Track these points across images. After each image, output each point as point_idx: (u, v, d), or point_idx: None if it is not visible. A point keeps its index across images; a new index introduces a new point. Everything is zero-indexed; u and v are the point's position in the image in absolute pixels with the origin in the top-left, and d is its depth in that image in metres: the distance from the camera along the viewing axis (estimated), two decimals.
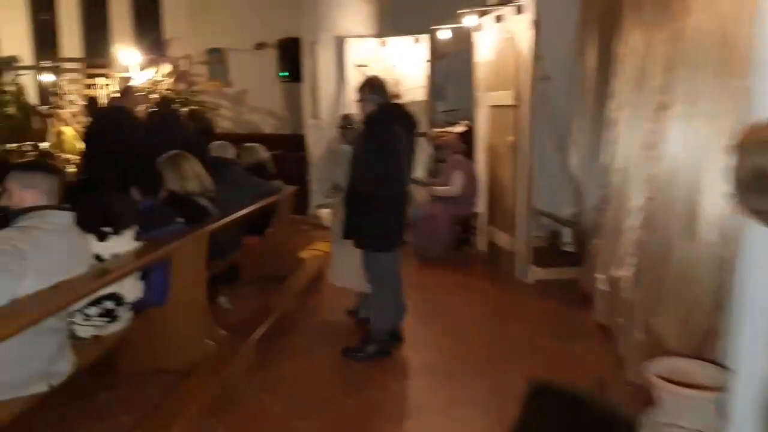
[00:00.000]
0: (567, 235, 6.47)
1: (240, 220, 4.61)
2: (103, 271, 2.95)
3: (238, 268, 5.43)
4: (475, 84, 6.59)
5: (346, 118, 4.05)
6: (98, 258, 3.02)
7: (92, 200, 3.07)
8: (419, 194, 6.70)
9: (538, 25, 5.20)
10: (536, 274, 5.59)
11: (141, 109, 6.16)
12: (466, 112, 7.59)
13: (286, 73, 8.43)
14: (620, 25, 4.76)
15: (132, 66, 9.86)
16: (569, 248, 6.45)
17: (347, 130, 4.05)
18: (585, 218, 5.96)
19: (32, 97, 11.15)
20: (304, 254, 6.00)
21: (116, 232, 3.11)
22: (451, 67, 7.25)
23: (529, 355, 4.07)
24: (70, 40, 11.23)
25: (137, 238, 3.30)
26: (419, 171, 7.32)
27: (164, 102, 5.78)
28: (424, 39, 7.27)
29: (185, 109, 7.22)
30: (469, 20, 5.47)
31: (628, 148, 4.26)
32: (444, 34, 6.51)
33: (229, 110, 10.79)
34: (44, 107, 10.60)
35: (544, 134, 6.15)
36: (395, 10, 8.82)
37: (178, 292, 3.62)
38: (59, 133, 9.00)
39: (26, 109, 10.42)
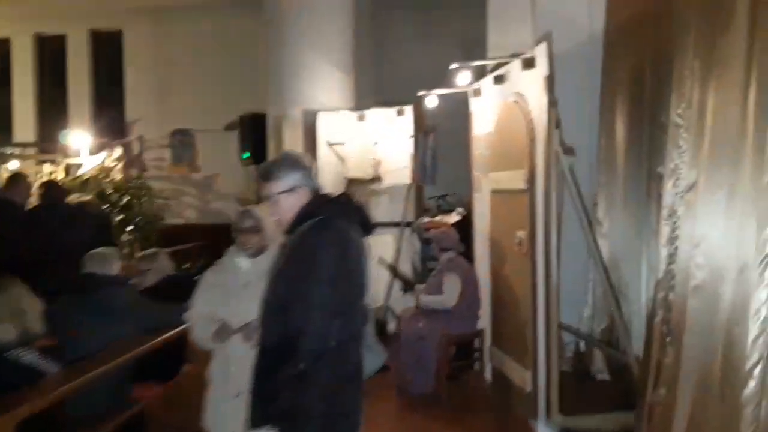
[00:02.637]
0: (598, 356, 4.76)
1: (125, 365, 2.98)
2: None
3: (142, 421, 3.72)
4: (473, 163, 5.09)
5: (246, 216, 2.49)
6: None
7: None
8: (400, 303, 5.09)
9: (552, 81, 3.73)
10: (564, 422, 3.85)
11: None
12: (462, 198, 6.08)
13: (248, 155, 6.98)
14: (674, 80, 3.29)
15: (83, 150, 8.50)
16: (602, 374, 4.73)
17: (248, 235, 2.48)
18: (623, 337, 4.26)
19: None
20: None
21: None
22: (443, 142, 5.82)
23: None
24: (25, 123, 9.94)
25: None
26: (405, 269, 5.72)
27: (49, 191, 4.22)
28: (409, 111, 5.85)
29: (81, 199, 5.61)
30: (462, 78, 3.99)
31: (717, 253, 2.65)
32: (432, 101, 5.06)
33: (195, 198, 9.37)
34: None
35: (564, 223, 4.61)
36: (376, 79, 7.52)
37: None
38: None
39: None
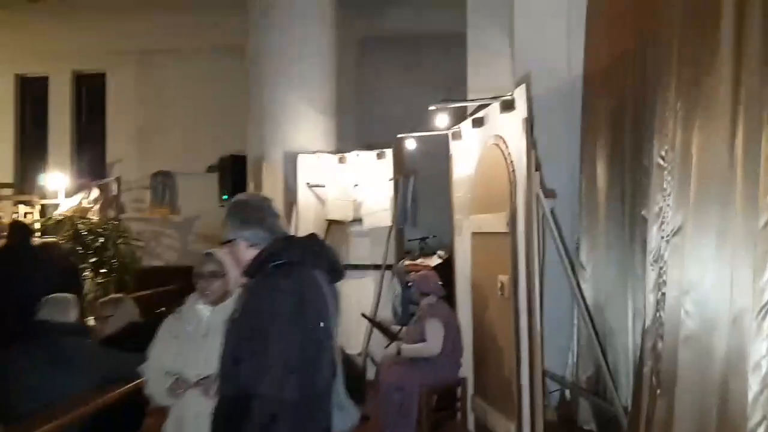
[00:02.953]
0: (584, 405, 4.53)
1: (80, 421, 2.71)
2: None
3: None
4: (453, 206, 4.94)
5: (208, 260, 2.31)
6: None
7: None
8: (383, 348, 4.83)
9: (531, 124, 3.62)
10: None
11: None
12: (443, 240, 5.92)
13: (227, 197, 6.80)
14: (657, 120, 3.20)
15: (60, 191, 8.26)
16: (588, 425, 4.48)
17: (209, 281, 2.29)
18: (609, 386, 4.06)
19: None
20: None
21: None
22: (424, 185, 5.69)
23: None
24: (4, 164, 9.67)
25: None
26: (386, 314, 5.49)
27: (14, 232, 3.98)
28: (390, 155, 5.71)
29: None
30: (441, 120, 3.86)
31: (709, 300, 2.49)
32: (411, 144, 4.94)
33: (175, 240, 9.12)
34: None
35: (546, 268, 4.46)
36: (359, 122, 7.45)
37: None
38: None
39: None
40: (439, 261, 5.29)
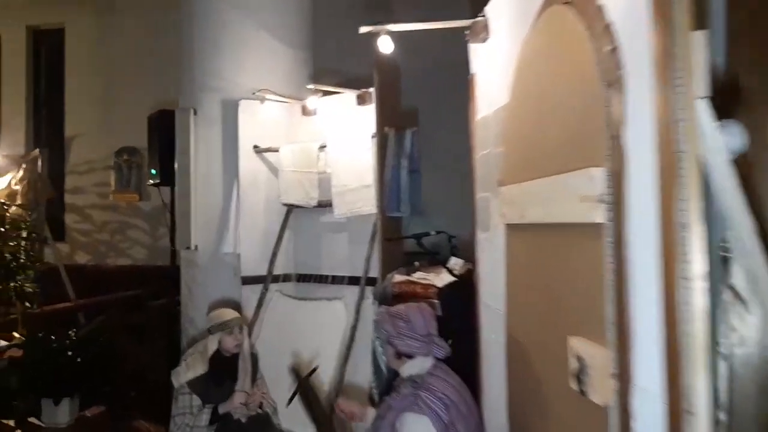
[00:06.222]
0: None
1: None
2: None
3: None
4: (475, 172, 2.50)
5: None
6: None
7: None
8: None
9: None
10: None
11: None
12: (465, 240, 3.46)
13: (154, 172, 4.56)
14: None
15: None
16: None
17: None
18: None
19: None
20: None
21: None
22: (435, 144, 3.30)
23: None
24: None
25: None
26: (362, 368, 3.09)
27: None
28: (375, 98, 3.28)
29: None
30: None
31: None
32: (386, 45, 2.43)
33: (145, 233, 7.06)
34: None
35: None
36: (330, 56, 4.98)
37: None
38: None
39: None
40: (453, 279, 2.76)
